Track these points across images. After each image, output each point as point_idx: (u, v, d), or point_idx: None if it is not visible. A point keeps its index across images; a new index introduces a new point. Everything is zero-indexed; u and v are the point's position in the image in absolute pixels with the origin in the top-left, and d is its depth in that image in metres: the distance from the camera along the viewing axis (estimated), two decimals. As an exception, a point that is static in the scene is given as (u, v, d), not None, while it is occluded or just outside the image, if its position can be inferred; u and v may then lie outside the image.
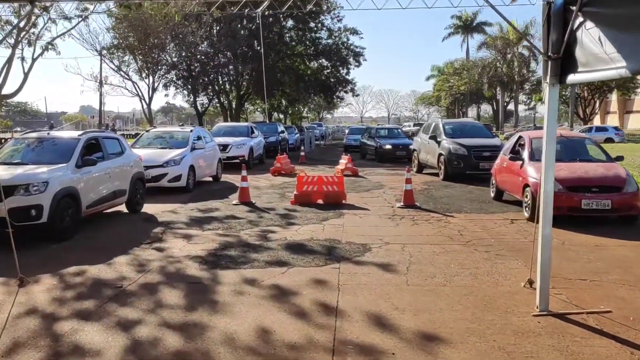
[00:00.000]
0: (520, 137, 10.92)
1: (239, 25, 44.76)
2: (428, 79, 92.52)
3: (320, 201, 12.32)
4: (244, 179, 12.60)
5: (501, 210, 11.31)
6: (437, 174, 17.36)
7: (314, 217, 10.68)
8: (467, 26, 77.60)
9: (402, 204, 11.99)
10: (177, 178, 13.98)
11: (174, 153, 14.41)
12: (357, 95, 63.10)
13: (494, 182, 12.31)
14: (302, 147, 26.42)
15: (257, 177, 18.60)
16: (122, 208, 11.22)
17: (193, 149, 15.15)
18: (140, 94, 35.02)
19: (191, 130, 15.98)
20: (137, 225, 10.13)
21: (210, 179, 16.96)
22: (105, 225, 9.98)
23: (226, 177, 18.02)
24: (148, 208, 11.64)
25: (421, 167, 18.63)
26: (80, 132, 10.17)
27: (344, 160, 19.58)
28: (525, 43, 59.05)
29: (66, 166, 8.92)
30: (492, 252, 7.75)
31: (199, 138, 16.08)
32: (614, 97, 67.29)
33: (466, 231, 9.21)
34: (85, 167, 9.29)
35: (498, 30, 62.90)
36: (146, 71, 36.18)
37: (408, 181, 12.06)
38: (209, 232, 9.33)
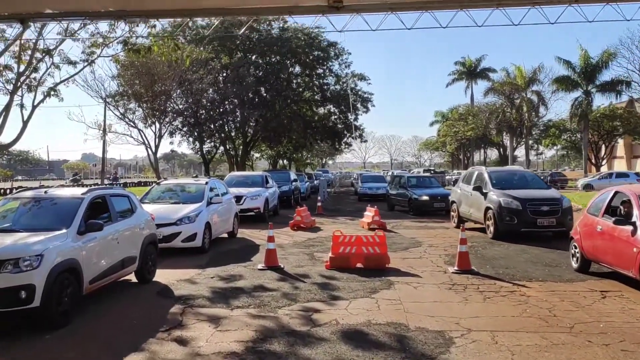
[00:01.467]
0: (617, 192, 8.98)
1: (247, 72, 44.00)
2: (432, 124, 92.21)
3: (359, 265, 10.61)
4: (270, 239, 10.91)
5: (578, 278, 9.58)
6: (479, 229, 15.62)
7: (360, 287, 8.94)
8: (470, 72, 77.54)
9: (456, 268, 10.27)
10: (192, 237, 12.31)
11: (188, 209, 12.80)
12: (365, 142, 61.96)
13: (577, 249, 9.95)
14: (319, 197, 24.80)
15: (275, 232, 16.82)
16: (131, 277, 9.51)
17: (209, 203, 13.54)
18: (146, 142, 33.66)
19: (206, 182, 14.40)
20: (149, 301, 8.40)
21: (226, 235, 15.27)
22: (112, 303, 8.24)
23: (242, 232, 16.37)
24: (160, 275, 9.92)
25: (461, 221, 16.82)
26: (83, 190, 8.54)
27: (370, 213, 17.88)
28: (534, 87, 58.36)
29: (66, 233, 7.26)
30: (612, 345, 6.00)
31: (213, 190, 14.51)
32: (620, 141, 66.36)
33: (557, 310, 7.46)
34: (90, 233, 7.64)
35: (504, 75, 62.39)
36: (152, 119, 34.96)
37: (463, 242, 10.35)
38: (240, 311, 7.59)
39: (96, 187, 10.40)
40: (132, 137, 34.22)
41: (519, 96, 59.59)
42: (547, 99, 58.76)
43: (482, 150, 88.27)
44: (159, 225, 11.56)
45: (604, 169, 59.82)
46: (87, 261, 7.44)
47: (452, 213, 17.95)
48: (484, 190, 14.87)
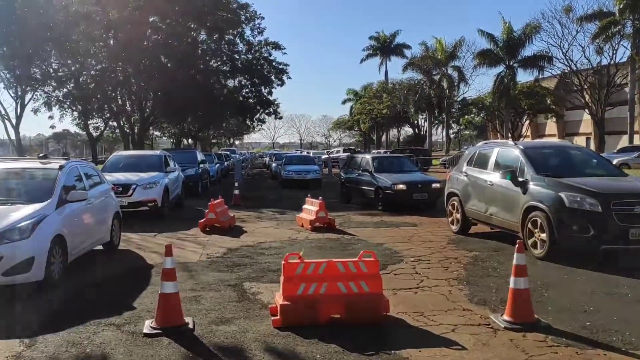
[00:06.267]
0: None
1: (143, 34, 37.17)
2: (344, 102, 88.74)
3: (336, 315, 5.81)
4: (168, 276, 5.71)
5: None
6: (488, 234, 10.79)
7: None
8: (385, 48, 74.71)
9: (508, 319, 5.74)
10: (24, 266, 6.79)
11: (18, 214, 7.25)
12: (281, 118, 56.48)
13: None
14: (235, 183, 19.55)
15: (178, 236, 11.69)
16: None
17: (63, 201, 8.04)
18: (2, 112, 26.40)
19: (60, 167, 8.74)
20: None
21: (100, 246, 9.81)
22: None
23: (128, 239, 11.02)
24: None
25: (467, 224, 11.51)
26: None
27: (312, 207, 13.01)
28: (455, 63, 55.93)
29: None
30: None
31: (74, 179, 8.99)
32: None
33: None
34: None
35: (424, 50, 59.28)
36: (18, 86, 27.68)
37: (519, 271, 5.77)
38: None
39: None
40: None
41: (439, 72, 56.96)
42: (468, 74, 56.68)
43: (397, 129, 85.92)
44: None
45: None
46: None
47: (450, 213, 12.05)
48: (520, 179, 9.56)
